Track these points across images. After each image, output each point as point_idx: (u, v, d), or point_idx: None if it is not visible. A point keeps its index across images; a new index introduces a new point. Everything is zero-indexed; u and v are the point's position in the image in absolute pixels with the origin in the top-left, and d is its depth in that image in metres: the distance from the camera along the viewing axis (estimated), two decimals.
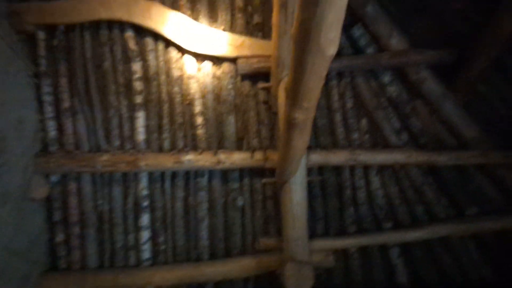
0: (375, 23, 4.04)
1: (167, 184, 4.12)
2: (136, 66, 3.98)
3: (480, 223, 4.16)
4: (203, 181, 4.14)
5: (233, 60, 4.00)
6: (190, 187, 4.15)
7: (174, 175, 4.13)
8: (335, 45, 1.68)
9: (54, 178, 3.99)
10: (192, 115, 4.08)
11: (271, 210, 4.19)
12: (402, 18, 4.12)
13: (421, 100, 4.19)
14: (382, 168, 4.30)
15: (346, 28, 4.07)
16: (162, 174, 4.12)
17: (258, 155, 3.97)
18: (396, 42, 4.04)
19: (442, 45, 4.02)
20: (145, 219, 4.08)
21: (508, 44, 3.64)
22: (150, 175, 4.11)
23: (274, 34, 3.44)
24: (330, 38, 1.63)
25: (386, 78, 4.16)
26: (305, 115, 2.36)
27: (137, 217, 4.09)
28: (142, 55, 4.00)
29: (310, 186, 4.17)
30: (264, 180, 4.08)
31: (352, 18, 4.08)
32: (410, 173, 4.27)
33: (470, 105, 4.17)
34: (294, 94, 2.17)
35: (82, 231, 4.04)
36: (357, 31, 4.06)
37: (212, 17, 4.01)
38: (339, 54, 4.12)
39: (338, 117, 4.21)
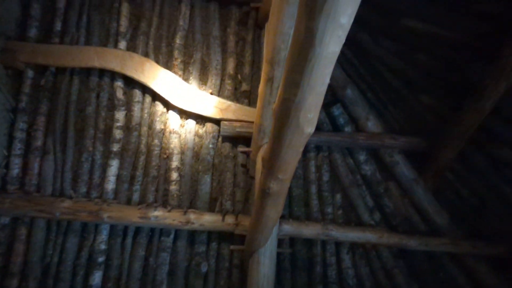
0: (353, 105, 3.23)
1: (129, 240, 2.87)
2: (120, 115, 2.98)
3: None
4: (168, 241, 2.91)
5: (217, 122, 3.05)
6: (153, 246, 2.91)
7: (137, 231, 2.91)
8: (313, 124, 1.46)
9: (4, 220, 2.68)
10: (168, 170, 2.99)
11: (236, 280, 2.91)
12: (378, 104, 3.31)
13: (393, 182, 3.22)
14: (353, 246, 3.17)
15: (327, 106, 3.22)
16: (125, 228, 2.90)
17: (230, 219, 2.82)
18: (372, 125, 3.19)
19: (414, 133, 3.16)
20: (96, 277, 2.75)
21: (471, 138, 2.90)
22: (112, 228, 2.88)
23: (258, 103, 2.58)
24: (309, 118, 1.40)
25: (362, 157, 3.22)
26: (280, 186, 1.91)
27: (88, 274, 2.77)
28: (128, 105, 3.03)
29: (279, 258, 2.98)
30: (232, 247, 2.88)
31: (333, 97, 3.24)
32: (381, 254, 3.15)
33: (439, 193, 3.23)
34: (270, 165, 1.80)
35: (20, 284, 2.63)
36: (336, 110, 3.21)
37: (202, 80, 3.13)
38: (318, 129, 3.24)
39: (313, 189, 3.17)
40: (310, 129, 1.50)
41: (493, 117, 2.74)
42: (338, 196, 3.30)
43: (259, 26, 3.27)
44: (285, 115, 1.44)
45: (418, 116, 3.34)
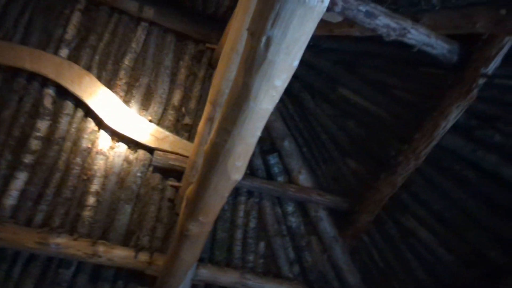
0: (289, 157, 3.30)
1: (17, 268, 2.39)
2: (42, 125, 2.65)
3: None
4: (67, 274, 2.51)
5: (150, 150, 2.87)
6: (47, 278, 2.46)
7: (31, 258, 2.45)
8: (240, 172, 1.45)
9: None
10: (85, 193, 2.67)
11: None
12: (312, 160, 3.44)
13: (315, 237, 3.26)
14: None
15: (265, 153, 3.25)
16: (16, 254, 2.42)
17: (144, 257, 2.55)
18: (303, 178, 3.27)
19: (339, 193, 3.31)
20: None
21: (384, 206, 3.08)
22: (1, 251, 2.38)
23: (196, 140, 2.51)
24: (237, 166, 1.40)
25: (290, 208, 3.24)
26: (200, 229, 1.82)
27: None
28: (55, 115, 2.72)
29: None
30: None
31: (272, 147, 3.29)
32: None
33: (355, 253, 3.32)
34: (193, 206, 1.71)
35: None
36: (273, 159, 3.25)
37: (144, 106, 2.98)
38: (253, 175, 3.20)
39: (239, 235, 3.06)
40: (237, 176, 1.46)
41: (403, 190, 3.00)
42: (262, 245, 3.23)
43: (212, 66, 3.31)
44: (214, 159, 1.39)
45: (344, 178, 3.53)
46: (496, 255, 2.52)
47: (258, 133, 1.32)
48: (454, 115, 2.27)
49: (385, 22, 1.94)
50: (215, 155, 1.39)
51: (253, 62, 1.04)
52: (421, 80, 2.57)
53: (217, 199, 1.65)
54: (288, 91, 3.41)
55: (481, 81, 2.08)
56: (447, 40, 2.08)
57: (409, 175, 2.71)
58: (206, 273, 2.77)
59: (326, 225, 3.30)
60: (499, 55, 1.96)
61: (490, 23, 1.85)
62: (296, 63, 1.10)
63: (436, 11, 2.03)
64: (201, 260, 2.85)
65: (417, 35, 2.01)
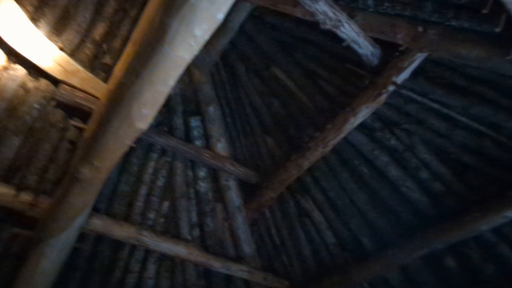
0: (211, 123, 3.27)
1: None
2: None
3: None
4: None
5: (55, 82, 2.52)
6: None
7: None
8: (146, 121, 1.37)
9: None
10: None
11: (7, 271, 2.33)
12: (233, 131, 3.48)
13: (221, 204, 3.34)
14: (163, 257, 3.04)
15: (188, 114, 3.16)
16: None
17: (26, 197, 2.30)
18: (221, 147, 3.29)
19: (252, 167, 3.44)
20: None
21: (289, 186, 3.27)
22: None
23: (109, 82, 2.26)
24: (143, 113, 1.31)
25: (202, 173, 3.24)
26: (94, 174, 1.68)
27: None
28: None
29: (74, 254, 2.55)
30: (16, 230, 2.31)
31: (197, 109, 3.22)
32: (186, 271, 3.12)
33: (255, 225, 3.52)
34: (88, 148, 1.59)
35: None
36: (194, 122, 3.19)
37: (57, 30, 2.59)
38: (171, 134, 3.09)
39: (143, 191, 2.95)
40: (142, 124, 1.36)
41: (308, 174, 3.25)
42: (166, 204, 3.19)
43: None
44: (118, 100, 1.26)
45: (259, 153, 3.66)
46: (367, 242, 2.93)
47: (171, 82, 1.24)
48: (363, 114, 2.50)
49: (324, 9, 2.00)
50: (120, 97, 1.28)
51: (173, 1, 0.97)
52: (344, 76, 2.76)
53: (116, 145, 1.54)
54: (225, 58, 3.34)
55: (391, 88, 2.32)
56: (372, 43, 2.25)
57: (315, 161, 2.94)
58: (99, 223, 2.63)
59: (233, 195, 3.40)
60: (409, 68, 2.20)
61: (408, 36, 2.05)
62: (220, 16, 1.04)
63: (369, 12, 2.17)
64: (96, 210, 2.69)
65: (349, 31, 2.13)
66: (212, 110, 3.28)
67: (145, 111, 1.32)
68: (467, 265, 2.44)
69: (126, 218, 2.90)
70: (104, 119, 1.42)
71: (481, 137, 2.34)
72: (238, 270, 3.21)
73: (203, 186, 3.27)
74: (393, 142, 2.65)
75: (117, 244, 2.87)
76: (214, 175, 3.34)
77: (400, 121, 2.61)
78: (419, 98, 2.47)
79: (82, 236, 2.61)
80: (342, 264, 3.03)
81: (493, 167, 2.34)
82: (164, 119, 3.15)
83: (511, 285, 2.24)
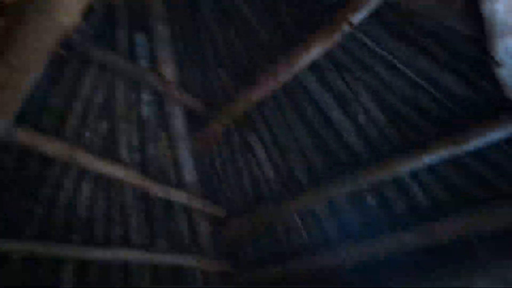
0: (160, 43, 3.03)
1: None
2: None
3: (161, 255, 3.27)
4: None
5: None
6: None
7: None
8: (71, 16, 1.20)
9: None
10: None
11: None
12: (186, 57, 3.28)
13: (166, 132, 3.27)
14: (99, 178, 2.98)
15: (133, 29, 2.88)
16: None
17: None
18: (170, 71, 3.13)
19: (200, 95, 3.35)
20: None
21: (237, 120, 3.29)
22: None
23: None
24: (65, 4, 1.15)
25: (146, 96, 3.09)
26: (12, 74, 1.45)
27: None
28: None
29: None
30: None
31: (145, 25, 2.94)
32: (124, 193, 3.11)
33: (200, 156, 3.55)
34: (3, 44, 1.34)
35: None
36: (140, 39, 2.91)
37: None
38: (113, 49, 2.83)
39: (79, 106, 2.75)
40: (65, 19, 1.21)
41: (256, 109, 3.26)
42: (104, 125, 3.05)
43: None
44: None
45: (210, 83, 3.55)
46: (303, 177, 3.13)
47: None
48: (317, 52, 2.49)
49: None
50: None
51: None
52: (307, 10, 2.66)
53: (35, 42, 1.35)
54: None
55: (346, 28, 2.30)
56: None
57: (264, 96, 2.94)
58: (25, 136, 2.45)
59: (179, 123, 3.33)
60: (367, 6, 2.17)
61: None
62: None
63: None
64: (21, 121, 2.48)
65: None
66: (161, 29, 3.02)
67: (68, 1, 1.17)
68: (384, 203, 2.75)
69: (58, 134, 2.73)
70: (19, 9, 1.24)
71: (418, 90, 2.48)
72: (177, 196, 3.28)
73: (146, 110, 3.14)
74: (340, 85, 2.72)
75: (47, 161, 2.73)
76: (159, 100, 3.21)
77: (350, 65, 2.65)
78: (370, 43, 2.49)
79: (4, 148, 2.43)
80: (278, 196, 3.24)
81: (424, 119, 2.53)
82: (106, 31, 2.85)
83: (419, 221, 2.57)
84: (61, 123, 2.74)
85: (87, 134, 2.87)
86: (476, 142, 2.20)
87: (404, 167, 2.48)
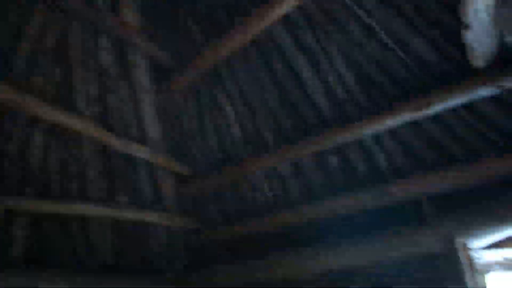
0: None
1: None
2: None
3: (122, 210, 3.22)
4: None
5: None
6: None
7: None
8: None
9: None
10: None
11: None
12: (151, 1, 3.03)
13: (128, 82, 3.08)
14: (53, 129, 2.80)
15: None
16: None
17: None
18: (132, 17, 2.87)
19: (168, 47, 3.16)
20: None
21: (204, 75, 3.12)
22: None
23: None
24: None
25: (104, 42, 2.86)
26: None
27: None
28: None
29: None
30: None
31: None
32: (81, 146, 2.96)
33: (165, 111, 3.41)
34: None
35: None
36: None
37: None
38: None
39: (27, 47, 2.48)
40: None
41: (225, 65, 3.08)
42: (58, 71, 2.80)
43: None
44: None
45: (179, 34, 3.34)
46: (269, 137, 3.12)
47: None
48: (289, 4, 2.37)
49: None
50: None
51: None
52: None
53: None
54: None
55: None
56: None
57: (235, 50, 2.80)
58: None
59: (142, 75, 3.15)
60: None
61: None
62: None
63: None
64: None
65: None
66: None
67: None
68: (346, 165, 2.82)
69: (4, 78, 2.48)
70: None
71: (389, 53, 2.46)
72: (140, 152, 3.18)
73: (105, 58, 2.91)
74: (311, 43, 2.64)
75: None
76: (121, 48, 2.98)
77: (323, 22, 2.56)
78: (349, 1, 2.41)
79: None
80: (244, 155, 3.23)
81: (391, 83, 2.54)
82: None
83: (379, 182, 2.67)
84: (5, 65, 2.48)
85: (39, 79, 2.63)
86: (437, 107, 2.26)
87: (368, 130, 2.52)
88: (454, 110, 2.33)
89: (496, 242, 2.34)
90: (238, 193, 3.39)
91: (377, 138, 2.64)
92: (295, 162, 3.02)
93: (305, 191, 3.04)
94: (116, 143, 2.98)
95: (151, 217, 3.30)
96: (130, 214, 3.20)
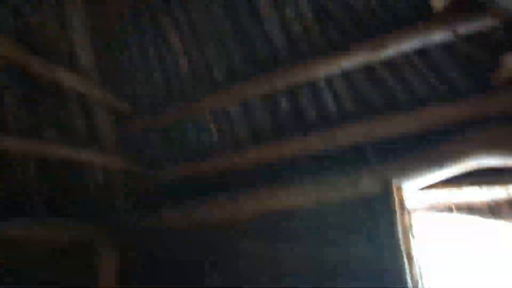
0: None
1: None
2: None
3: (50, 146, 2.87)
4: None
5: None
6: None
7: None
8: None
9: None
10: None
11: None
12: None
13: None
14: None
15: None
16: None
17: None
18: None
19: None
20: None
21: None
22: None
23: None
24: None
25: None
26: None
27: None
28: None
29: None
30: None
31: None
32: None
33: (99, 34, 2.98)
34: None
35: None
36: None
37: None
38: None
39: None
40: None
41: None
42: None
43: None
44: None
45: None
46: (219, 72, 2.90)
47: None
48: None
49: None
50: None
51: None
52: None
53: None
54: None
55: None
56: None
57: None
58: None
59: None
60: None
61: None
62: None
63: None
64: None
65: None
66: None
67: None
68: (296, 107, 2.75)
69: None
70: None
71: None
72: (70, 80, 2.77)
73: None
74: None
75: None
76: None
77: None
78: None
79: None
80: (191, 93, 2.99)
81: (349, 20, 2.42)
82: None
83: (327, 126, 2.64)
84: None
85: None
86: (392, 50, 2.21)
87: (321, 71, 2.43)
88: (407, 56, 2.30)
89: (427, 186, 2.50)
90: (183, 133, 3.20)
91: (329, 81, 2.56)
92: (245, 102, 2.88)
93: (253, 133, 2.94)
94: (40, 67, 2.55)
95: (85, 156, 3.00)
96: (59, 151, 2.87)
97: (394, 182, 2.40)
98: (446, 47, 2.20)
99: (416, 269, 2.28)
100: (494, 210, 2.79)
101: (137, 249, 3.33)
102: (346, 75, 2.49)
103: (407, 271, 2.22)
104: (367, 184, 2.49)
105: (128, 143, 3.37)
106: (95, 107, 3.09)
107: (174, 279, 3.05)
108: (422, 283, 2.25)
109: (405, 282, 2.17)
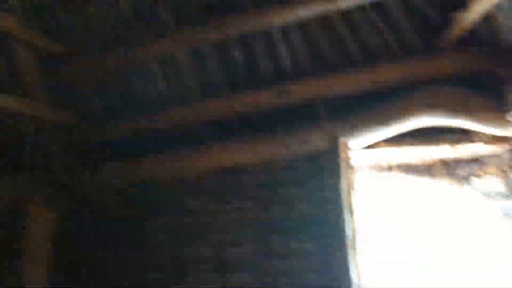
0: None
1: None
2: None
3: None
4: None
5: None
6: None
7: None
8: None
9: None
10: None
11: None
12: None
13: None
14: None
15: None
16: None
17: None
18: None
19: None
20: None
21: None
22: None
23: None
24: None
25: None
26: None
27: None
28: None
29: None
30: None
31: None
32: None
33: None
34: None
35: None
36: None
37: None
38: None
39: None
40: None
41: None
42: None
43: None
44: None
45: None
46: (167, 13, 2.62)
47: None
48: None
49: None
50: None
51: None
52: None
53: None
54: None
55: None
56: None
57: None
58: None
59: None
60: None
61: None
62: None
63: None
64: None
65: None
66: None
67: None
68: (250, 59, 2.60)
69: None
70: None
71: None
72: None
73: None
74: None
75: None
76: None
77: None
78: None
79: None
80: (135, 36, 2.68)
81: None
82: None
83: (281, 80, 2.54)
84: None
85: None
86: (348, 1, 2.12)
87: (277, 18, 2.28)
88: (363, 8, 2.24)
89: (372, 144, 2.57)
90: (126, 82, 2.90)
91: (285, 32, 2.44)
92: (195, 50, 2.66)
93: (204, 85, 2.76)
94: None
95: (5, 102, 2.60)
96: None
97: (342, 139, 2.42)
98: (402, 2, 2.17)
99: (355, 221, 2.38)
100: (428, 169, 2.99)
101: (76, 210, 3.09)
102: (302, 27, 2.37)
103: (347, 223, 2.31)
104: (316, 141, 2.49)
105: (62, 90, 2.99)
106: (15, 43, 2.64)
107: (117, 240, 2.90)
108: (359, 233, 2.37)
109: (344, 232, 2.26)
